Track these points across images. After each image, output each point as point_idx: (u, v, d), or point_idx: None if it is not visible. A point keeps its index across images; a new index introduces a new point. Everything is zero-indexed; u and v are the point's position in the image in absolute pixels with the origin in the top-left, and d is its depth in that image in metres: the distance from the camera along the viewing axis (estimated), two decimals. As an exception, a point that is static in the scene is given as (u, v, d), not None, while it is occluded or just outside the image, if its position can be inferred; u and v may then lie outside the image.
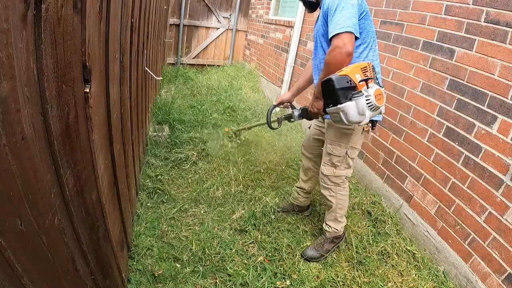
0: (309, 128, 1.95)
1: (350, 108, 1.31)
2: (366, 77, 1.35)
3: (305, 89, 2.03)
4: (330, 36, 1.39)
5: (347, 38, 1.35)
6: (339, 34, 1.36)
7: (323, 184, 1.79)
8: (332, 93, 1.34)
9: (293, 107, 1.98)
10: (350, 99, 1.32)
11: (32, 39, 0.54)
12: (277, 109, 3.75)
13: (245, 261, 1.78)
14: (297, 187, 2.15)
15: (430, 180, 2.04)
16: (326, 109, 1.42)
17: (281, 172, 2.72)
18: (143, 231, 1.90)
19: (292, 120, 1.89)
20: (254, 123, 2.59)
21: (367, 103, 1.31)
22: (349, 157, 1.69)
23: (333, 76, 1.32)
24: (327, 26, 1.47)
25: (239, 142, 2.79)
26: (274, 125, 1.98)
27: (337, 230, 1.86)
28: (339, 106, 1.33)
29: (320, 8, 1.60)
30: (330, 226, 1.87)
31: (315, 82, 1.76)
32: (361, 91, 1.33)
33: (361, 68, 1.37)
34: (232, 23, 6.21)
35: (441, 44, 2.01)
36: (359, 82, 1.34)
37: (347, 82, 1.32)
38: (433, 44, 2.07)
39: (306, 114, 1.74)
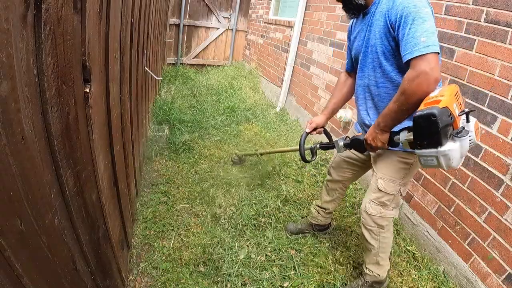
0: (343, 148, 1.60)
1: (455, 151, 1.03)
2: (462, 109, 1.09)
3: (338, 110, 1.72)
4: (409, 56, 1.07)
5: (434, 61, 1.05)
6: (424, 55, 1.05)
7: (365, 225, 1.51)
8: (433, 132, 1.02)
9: (327, 134, 1.71)
10: (453, 139, 1.04)
11: (32, 39, 0.54)
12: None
13: (246, 261, 1.78)
14: (318, 206, 1.92)
15: (430, 180, 2.04)
16: (417, 152, 1.10)
17: (280, 172, 2.72)
18: (143, 231, 1.90)
19: (319, 150, 1.65)
20: (280, 149, 2.22)
21: (470, 142, 1.07)
22: (401, 194, 1.45)
23: (435, 110, 0.99)
24: (393, 40, 1.18)
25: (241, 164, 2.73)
26: (308, 156, 1.64)
27: (379, 275, 1.58)
28: (441, 149, 1.03)
29: (367, 14, 1.30)
30: (371, 271, 1.59)
31: (359, 105, 1.46)
32: (464, 129, 1.06)
33: (455, 96, 1.07)
34: (232, 23, 6.21)
35: (441, 44, 2.01)
36: (458, 115, 1.06)
37: (449, 116, 1.02)
38: (433, 44, 2.07)
39: (358, 145, 1.38)
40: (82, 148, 0.85)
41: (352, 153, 1.63)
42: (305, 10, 3.90)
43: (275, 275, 1.72)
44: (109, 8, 0.99)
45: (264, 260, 1.80)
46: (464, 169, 1.81)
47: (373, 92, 1.37)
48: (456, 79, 1.90)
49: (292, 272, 1.74)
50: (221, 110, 3.92)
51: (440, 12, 2.01)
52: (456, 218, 1.83)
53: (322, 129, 1.68)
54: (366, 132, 1.41)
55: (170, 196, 2.27)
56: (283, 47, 4.54)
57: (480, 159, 1.72)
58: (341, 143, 1.48)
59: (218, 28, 6.15)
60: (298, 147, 1.60)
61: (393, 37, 1.17)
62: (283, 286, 1.67)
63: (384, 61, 1.26)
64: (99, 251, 1.05)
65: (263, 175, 2.55)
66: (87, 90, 0.84)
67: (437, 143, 1.03)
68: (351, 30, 1.49)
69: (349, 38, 1.52)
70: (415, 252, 1.98)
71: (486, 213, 1.66)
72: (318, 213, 1.92)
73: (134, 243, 1.80)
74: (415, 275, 1.80)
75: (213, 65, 6.34)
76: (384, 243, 1.52)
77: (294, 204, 2.31)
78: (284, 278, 1.71)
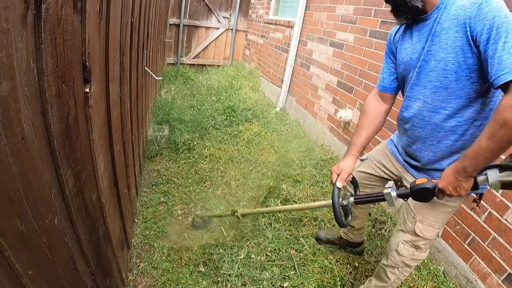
0: (361, 159, 1.39)
1: None
2: None
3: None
4: (508, 78, 0.85)
5: None
6: None
7: (391, 263, 1.35)
8: None
9: (355, 182, 1.35)
10: None
11: (32, 39, 0.54)
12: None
13: (246, 261, 1.78)
14: None
15: (430, 180, 2.04)
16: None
17: (279, 172, 2.72)
18: (143, 231, 1.90)
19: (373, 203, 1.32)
20: (291, 206, 1.72)
21: None
22: (438, 237, 1.34)
23: None
24: (472, 56, 0.95)
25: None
26: (346, 219, 1.24)
27: None
28: None
29: (424, 21, 1.07)
30: None
31: (403, 131, 1.23)
32: None
33: None
34: (232, 23, 6.21)
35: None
36: None
37: None
38: (433, 44, 2.06)
39: (425, 195, 1.05)
40: (82, 148, 0.85)
41: (378, 167, 1.42)
42: (305, 10, 3.90)
43: (275, 275, 1.72)
44: (109, 8, 0.99)
45: (264, 260, 1.80)
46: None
47: (428, 120, 1.10)
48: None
49: (292, 272, 1.74)
50: (221, 110, 3.92)
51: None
52: (456, 218, 1.83)
53: (351, 176, 1.32)
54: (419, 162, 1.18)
55: (170, 196, 2.27)
56: (283, 47, 4.55)
57: (480, 159, 1.72)
58: (394, 194, 1.12)
59: (218, 28, 6.15)
60: (323, 203, 1.32)
61: (474, 52, 0.94)
62: (283, 286, 1.67)
63: (453, 82, 1.00)
64: (99, 251, 1.05)
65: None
66: (87, 90, 0.84)
67: None
68: (393, 39, 1.22)
69: (389, 49, 1.25)
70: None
71: (486, 213, 1.66)
72: (348, 230, 1.79)
73: (134, 243, 1.80)
74: (415, 275, 1.80)
75: (213, 65, 6.34)
76: (401, 279, 1.40)
77: (294, 204, 2.31)
78: (284, 278, 1.71)
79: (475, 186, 0.99)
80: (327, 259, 1.86)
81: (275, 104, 4.55)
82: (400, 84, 1.24)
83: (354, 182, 1.35)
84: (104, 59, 1.02)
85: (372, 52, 2.68)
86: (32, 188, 0.57)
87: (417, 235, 1.24)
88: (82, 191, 0.86)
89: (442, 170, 1.06)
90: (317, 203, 1.42)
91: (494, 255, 1.60)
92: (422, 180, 1.07)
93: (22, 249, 0.55)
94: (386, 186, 1.16)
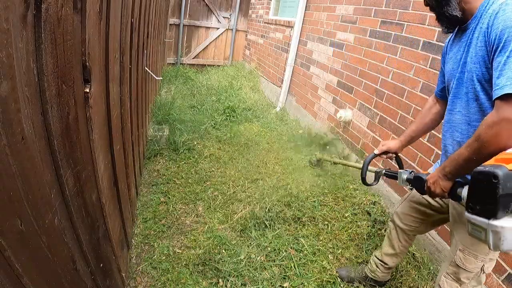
0: (409, 187, 1.33)
1: (510, 231, 0.80)
2: None
3: (418, 138, 1.48)
4: (498, 93, 0.84)
5: None
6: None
7: None
8: (489, 197, 0.82)
9: (399, 162, 1.50)
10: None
11: (32, 39, 0.54)
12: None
13: (246, 261, 1.78)
14: (377, 258, 1.62)
15: (430, 180, 2.04)
16: (467, 215, 0.89)
17: (276, 171, 2.72)
18: (143, 231, 1.90)
19: (381, 178, 1.45)
20: (347, 162, 2.25)
21: None
22: (483, 272, 1.16)
23: (500, 171, 0.78)
24: (491, 66, 0.91)
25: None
26: (370, 179, 1.43)
27: None
28: (492, 223, 0.81)
29: (465, 31, 1.04)
30: None
31: (445, 143, 1.17)
32: None
33: None
34: (232, 23, 6.21)
35: (441, 44, 2.01)
36: None
37: None
38: (433, 44, 2.07)
39: (418, 184, 1.19)
40: (82, 148, 0.85)
41: (424, 198, 1.36)
42: (305, 10, 3.90)
43: (275, 275, 1.72)
44: (109, 8, 0.99)
45: (264, 260, 1.80)
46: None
47: (464, 133, 1.06)
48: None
49: (292, 272, 1.74)
50: (221, 110, 3.92)
51: (440, 12, 2.01)
52: (456, 218, 1.83)
53: (394, 155, 1.47)
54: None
55: (170, 196, 2.27)
56: (283, 47, 4.55)
57: (480, 159, 1.72)
58: (404, 176, 1.29)
59: (218, 28, 6.15)
60: (357, 165, 1.50)
61: (492, 61, 0.90)
62: (283, 286, 1.67)
63: (481, 93, 0.97)
64: (99, 251, 1.05)
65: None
66: (87, 90, 0.84)
67: (491, 214, 0.82)
68: (446, 49, 1.19)
69: (443, 57, 1.23)
70: (415, 252, 1.98)
71: (486, 213, 1.66)
72: (377, 267, 1.63)
73: (134, 243, 1.80)
74: (415, 275, 1.80)
75: (213, 65, 6.34)
76: None
77: (295, 203, 2.31)
78: (284, 278, 1.71)
79: (455, 195, 1.03)
80: (327, 259, 1.86)
81: (275, 104, 4.55)
82: (447, 92, 1.20)
83: (397, 160, 1.50)
84: (104, 59, 1.02)
85: (372, 52, 2.68)
86: (32, 188, 0.57)
87: (458, 266, 1.15)
88: (82, 191, 0.86)
89: None
90: (356, 164, 1.96)
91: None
92: (425, 172, 1.22)
93: (22, 249, 0.55)
94: (404, 170, 1.33)
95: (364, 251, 1.94)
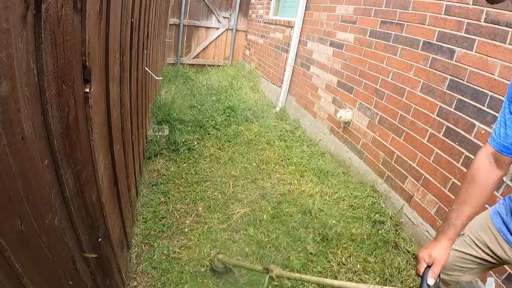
0: (461, 234, 1.07)
1: None
2: None
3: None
4: None
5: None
6: None
7: None
8: None
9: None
10: None
11: (32, 39, 0.54)
12: None
13: (246, 261, 1.78)
14: None
15: (430, 180, 2.04)
16: None
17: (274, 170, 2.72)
18: (143, 231, 1.90)
19: None
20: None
21: None
22: None
23: None
24: None
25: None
26: None
27: None
28: None
29: None
30: None
31: None
32: None
33: None
34: (232, 23, 6.21)
35: (441, 44, 2.01)
36: None
37: None
38: (433, 44, 2.07)
39: None
40: (82, 148, 0.85)
41: (479, 247, 1.08)
42: (305, 10, 3.90)
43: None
44: (109, 8, 0.99)
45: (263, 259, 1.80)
46: (464, 169, 1.81)
47: None
48: (456, 79, 1.90)
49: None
50: (221, 110, 3.92)
51: (440, 12, 2.01)
52: (456, 218, 1.83)
53: None
54: None
55: (170, 196, 2.27)
56: (283, 47, 4.54)
57: (480, 159, 1.72)
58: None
59: (218, 28, 6.14)
60: None
61: None
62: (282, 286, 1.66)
63: None
64: (99, 251, 1.05)
65: None
66: (87, 90, 0.84)
67: None
68: None
69: (510, 96, 0.89)
70: (415, 252, 1.98)
71: (486, 213, 1.66)
72: None
73: (134, 243, 1.80)
74: (415, 275, 1.80)
75: (213, 65, 6.34)
76: None
77: (291, 202, 2.31)
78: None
79: None
80: (327, 259, 1.86)
81: (275, 104, 4.54)
82: None
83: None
84: (104, 59, 1.02)
85: (372, 52, 2.68)
86: (32, 188, 0.57)
87: None
88: (82, 191, 0.86)
89: None
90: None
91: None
92: None
93: (22, 249, 0.55)
94: (487, 285, 0.94)
95: (364, 251, 1.94)
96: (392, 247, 2.00)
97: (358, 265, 1.83)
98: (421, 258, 0.96)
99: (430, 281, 0.91)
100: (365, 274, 1.79)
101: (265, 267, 1.36)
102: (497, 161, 0.93)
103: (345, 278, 1.75)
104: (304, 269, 1.77)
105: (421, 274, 0.94)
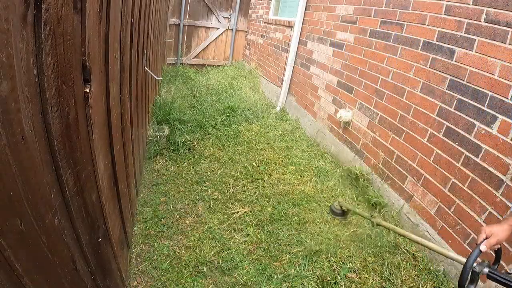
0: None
1: None
2: None
3: None
4: None
5: None
6: None
7: None
8: None
9: (499, 255, 1.10)
10: None
11: (32, 39, 0.54)
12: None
13: (246, 261, 1.78)
14: None
15: (430, 180, 2.04)
16: None
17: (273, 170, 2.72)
18: (143, 231, 1.90)
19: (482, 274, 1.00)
20: (405, 232, 1.43)
21: None
22: None
23: None
24: None
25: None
26: (470, 284, 1.01)
27: None
28: None
29: None
30: None
31: None
32: None
33: None
34: (232, 23, 6.21)
35: (441, 44, 2.01)
36: None
37: None
38: (433, 44, 2.07)
39: None
40: (82, 148, 0.85)
41: None
42: (305, 10, 3.89)
43: (275, 275, 1.72)
44: (109, 8, 0.99)
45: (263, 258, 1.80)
46: (464, 169, 1.81)
47: None
48: (456, 79, 1.90)
49: (293, 271, 1.74)
50: (221, 110, 3.92)
51: (440, 12, 2.01)
52: (456, 218, 1.83)
53: (499, 245, 1.08)
54: None
55: (170, 196, 2.27)
56: (283, 47, 4.54)
57: (480, 159, 1.72)
58: None
59: (218, 28, 6.14)
60: (455, 257, 1.14)
61: None
62: (282, 286, 1.66)
63: None
64: (99, 251, 1.05)
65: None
66: (87, 90, 0.84)
67: None
68: None
69: None
70: (415, 252, 1.98)
71: (486, 213, 1.66)
72: None
73: (134, 243, 1.80)
74: (415, 275, 1.80)
75: (213, 65, 6.34)
76: None
77: (290, 203, 2.31)
78: (285, 281, 1.71)
79: None
80: (327, 258, 1.86)
81: (275, 104, 4.54)
82: None
83: (498, 253, 1.11)
84: (104, 59, 1.02)
85: (372, 52, 2.68)
86: (32, 188, 0.57)
87: None
88: (82, 191, 0.86)
89: None
90: (451, 254, 1.18)
91: (494, 255, 1.59)
92: None
93: (22, 249, 0.55)
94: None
95: (364, 251, 1.93)
96: (392, 247, 1.99)
97: (358, 264, 1.83)
98: (482, 230, 1.08)
99: (483, 247, 1.03)
100: (365, 273, 1.79)
101: (370, 214, 1.68)
102: None
103: (345, 277, 1.75)
104: (304, 269, 1.77)
105: (478, 242, 1.06)
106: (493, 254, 1.12)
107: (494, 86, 1.67)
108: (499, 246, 1.08)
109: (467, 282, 1.00)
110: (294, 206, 2.29)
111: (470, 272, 1.00)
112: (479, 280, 0.99)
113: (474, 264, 1.01)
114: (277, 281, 1.68)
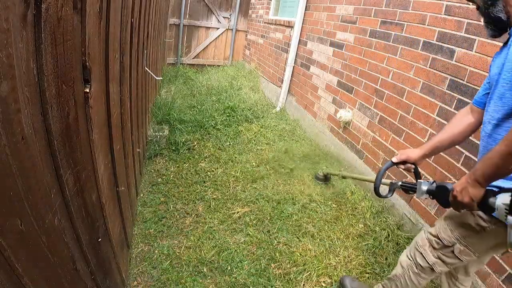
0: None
1: None
2: None
3: (443, 151, 1.39)
4: None
5: None
6: None
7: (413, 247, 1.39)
8: None
9: (417, 174, 1.37)
10: None
11: (32, 39, 0.54)
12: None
13: (246, 261, 1.78)
14: None
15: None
16: (509, 219, 0.85)
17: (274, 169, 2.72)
18: (143, 231, 1.90)
19: (410, 192, 1.27)
20: (357, 175, 1.97)
21: None
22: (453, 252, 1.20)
23: None
24: None
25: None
26: (384, 191, 1.32)
27: None
28: None
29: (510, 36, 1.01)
30: None
31: (480, 151, 1.12)
32: None
33: None
34: (232, 23, 6.21)
35: (441, 44, 2.01)
36: None
37: None
38: (433, 44, 2.07)
39: (442, 194, 1.08)
40: (82, 148, 0.85)
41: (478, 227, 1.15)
42: (305, 10, 3.89)
43: (275, 275, 1.72)
44: (109, 8, 0.99)
45: (263, 258, 1.80)
46: (464, 169, 1.81)
47: (488, 132, 1.04)
48: (456, 79, 1.90)
49: (294, 269, 1.74)
50: (221, 110, 3.92)
51: (440, 12, 2.01)
52: (456, 218, 1.83)
53: (413, 165, 1.34)
54: None
55: (170, 196, 2.27)
56: (283, 47, 4.54)
57: (480, 159, 1.72)
58: (424, 187, 1.15)
59: (218, 28, 6.14)
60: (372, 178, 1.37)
61: None
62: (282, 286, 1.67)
63: (508, 91, 0.94)
64: (99, 251, 1.05)
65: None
66: (87, 90, 0.84)
67: None
68: (494, 56, 1.15)
69: (490, 65, 1.15)
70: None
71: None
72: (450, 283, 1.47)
73: (134, 243, 1.80)
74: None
75: (213, 65, 6.34)
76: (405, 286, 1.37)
77: (290, 202, 2.31)
78: (284, 278, 1.71)
79: (486, 206, 0.93)
80: (327, 258, 1.86)
81: (275, 104, 4.54)
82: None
83: (416, 172, 1.37)
84: (104, 59, 1.02)
85: (372, 52, 2.68)
86: (32, 188, 0.57)
87: (432, 234, 1.27)
88: (82, 191, 0.86)
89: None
90: (366, 177, 1.64)
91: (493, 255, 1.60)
92: (448, 182, 1.11)
93: (22, 249, 0.55)
94: (424, 180, 1.19)
95: (364, 250, 1.94)
96: (392, 247, 1.99)
97: (359, 265, 1.83)
98: (398, 154, 1.37)
99: (394, 159, 1.36)
100: (365, 272, 1.79)
101: (339, 171, 2.27)
102: (471, 110, 1.26)
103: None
104: (304, 269, 1.77)
105: (392, 160, 1.36)
106: (414, 175, 1.37)
107: (494, 86, 1.66)
108: (414, 166, 1.35)
109: (387, 191, 1.34)
110: (294, 205, 2.29)
111: (387, 185, 1.35)
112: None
113: (395, 182, 1.33)
114: (278, 277, 1.68)
